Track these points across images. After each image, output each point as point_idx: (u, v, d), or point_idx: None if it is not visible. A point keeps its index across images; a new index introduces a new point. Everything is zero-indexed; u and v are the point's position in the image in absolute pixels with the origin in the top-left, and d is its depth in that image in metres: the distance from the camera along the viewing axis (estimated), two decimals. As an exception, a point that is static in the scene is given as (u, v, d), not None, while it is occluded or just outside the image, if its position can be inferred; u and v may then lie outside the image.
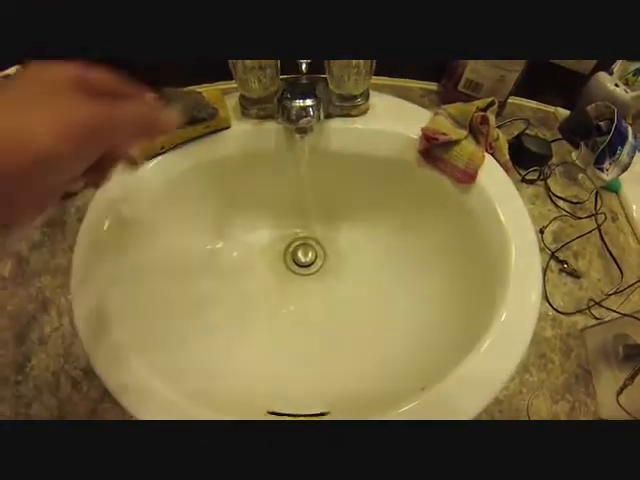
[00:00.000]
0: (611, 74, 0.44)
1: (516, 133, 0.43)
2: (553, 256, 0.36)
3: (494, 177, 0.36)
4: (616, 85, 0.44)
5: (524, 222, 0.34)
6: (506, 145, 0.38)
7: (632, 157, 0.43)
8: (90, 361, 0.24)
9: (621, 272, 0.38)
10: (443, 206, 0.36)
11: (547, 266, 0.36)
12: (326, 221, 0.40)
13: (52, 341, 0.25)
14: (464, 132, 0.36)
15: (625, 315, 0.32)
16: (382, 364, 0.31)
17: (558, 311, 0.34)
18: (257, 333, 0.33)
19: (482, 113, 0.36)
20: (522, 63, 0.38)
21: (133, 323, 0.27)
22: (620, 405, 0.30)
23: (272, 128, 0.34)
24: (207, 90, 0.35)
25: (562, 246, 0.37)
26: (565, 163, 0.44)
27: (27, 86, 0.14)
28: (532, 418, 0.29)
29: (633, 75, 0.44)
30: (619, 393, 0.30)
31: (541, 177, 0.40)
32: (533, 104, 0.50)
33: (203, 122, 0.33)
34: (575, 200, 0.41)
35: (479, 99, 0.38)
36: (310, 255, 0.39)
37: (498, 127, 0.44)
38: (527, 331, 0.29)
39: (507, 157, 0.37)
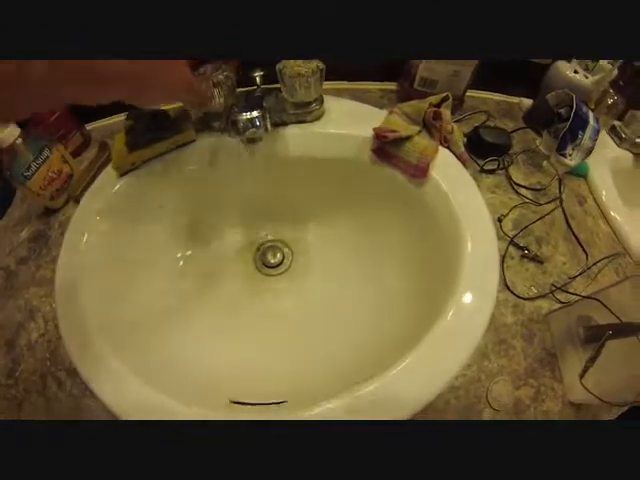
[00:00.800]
0: (570, 61, 0.44)
1: (477, 125, 0.44)
2: (513, 243, 0.37)
3: (449, 170, 0.37)
4: (575, 72, 0.44)
5: (480, 211, 0.35)
6: (461, 138, 0.39)
7: (595, 140, 0.43)
8: (72, 361, 0.27)
9: (586, 254, 0.39)
10: (402, 202, 0.38)
11: (506, 253, 0.36)
12: (292, 223, 0.42)
13: (39, 346, 0.28)
14: (417, 128, 0.38)
15: (585, 297, 0.32)
16: (343, 355, 0.32)
17: (519, 297, 0.34)
18: (226, 330, 0.35)
19: (434, 109, 0.38)
20: (474, 58, 0.40)
21: (110, 326, 0.29)
22: (584, 387, 0.30)
23: (234, 139, 0.37)
24: (172, 107, 0.38)
25: (520, 232, 0.38)
26: (529, 151, 0.45)
27: None
28: (492, 404, 0.30)
29: (592, 61, 0.44)
30: (582, 376, 0.31)
31: (501, 166, 0.41)
32: (498, 96, 0.51)
33: (169, 138, 0.35)
34: (539, 187, 0.42)
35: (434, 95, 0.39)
36: (278, 256, 0.41)
37: (458, 121, 0.45)
38: (480, 319, 0.30)
39: (462, 149, 0.38)
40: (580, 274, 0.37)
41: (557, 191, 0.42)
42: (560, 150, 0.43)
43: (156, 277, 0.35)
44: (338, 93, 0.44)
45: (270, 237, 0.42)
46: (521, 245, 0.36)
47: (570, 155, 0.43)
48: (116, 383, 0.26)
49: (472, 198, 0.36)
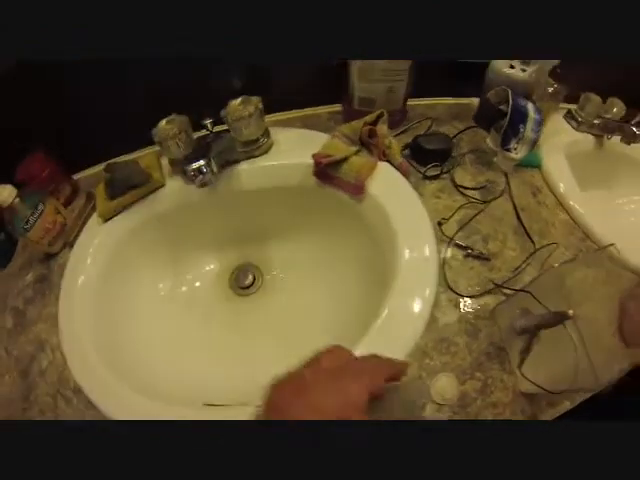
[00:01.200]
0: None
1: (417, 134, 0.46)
2: (454, 244, 0.39)
3: (389, 183, 0.40)
4: (511, 67, 0.45)
5: (418, 218, 0.38)
6: (399, 150, 0.42)
7: (538, 131, 0.44)
8: (76, 381, 0.33)
9: (534, 244, 0.40)
10: (348, 218, 0.41)
11: (447, 254, 0.38)
12: (259, 247, 0.47)
13: (49, 372, 0.35)
14: (354, 148, 0.41)
15: (517, 290, 0.34)
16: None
17: (462, 295, 0.36)
18: (202, 346, 0.41)
19: (369, 127, 0.41)
20: (405, 72, 0.42)
21: (105, 348, 0.35)
22: (524, 377, 0.32)
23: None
24: (144, 155, 0.44)
25: (458, 231, 0.39)
26: (477, 150, 0.47)
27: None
28: (434, 399, 0.32)
29: (528, 53, 0.45)
30: (519, 366, 0.32)
31: (445, 170, 0.43)
32: (449, 100, 0.53)
33: (142, 186, 0.41)
34: (484, 185, 0.43)
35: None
36: (250, 278, 0.46)
37: (404, 131, 0.48)
38: (414, 320, 0.33)
39: (400, 160, 0.41)
40: (519, 267, 0.38)
41: (506, 187, 0.44)
42: (504, 145, 0.44)
43: (142, 306, 0.41)
44: (290, 122, 0.48)
45: (241, 261, 0.47)
46: (463, 245, 0.38)
47: (515, 149, 0.44)
48: (111, 394, 0.32)
49: (410, 206, 0.39)
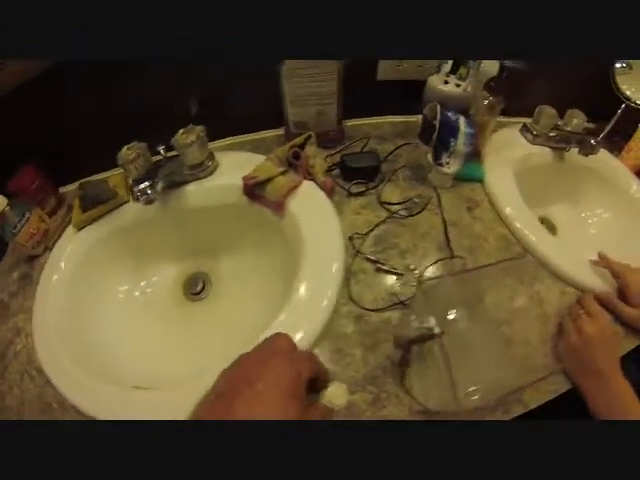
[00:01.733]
0: (438, 73, 0.46)
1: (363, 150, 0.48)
2: (365, 258, 0.39)
3: (308, 200, 0.43)
4: (446, 82, 0.45)
5: (330, 233, 0.40)
6: (322, 169, 0.45)
7: (471, 145, 0.43)
8: (41, 363, 0.40)
9: (452, 257, 0.39)
10: (274, 232, 0.44)
11: (355, 267, 0.39)
12: (210, 258, 0.52)
13: (21, 354, 0.42)
14: (281, 169, 0.44)
15: (394, 304, 0.34)
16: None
17: (365, 308, 0.36)
18: (155, 341, 0.46)
19: (296, 149, 0.45)
20: (333, 96, 0.45)
21: (68, 337, 0.42)
22: (407, 391, 0.31)
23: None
24: (115, 175, 0.52)
25: (373, 245, 0.40)
26: (414, 166, 0.47)
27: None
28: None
29: (464, 68, 0.45)
30: (400, 380, 0.32)
31: (371, 187, 0.44)
32: (396, 118, 0.54)
33: (109, 201, 0.49)
34: (415, 200, 0.43)
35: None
36: (200, 285, 0.51)
37: (340, 151, 0.50)
38: (310, 328, 0.35)
39: (323, 179, 0.44)
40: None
41: (434, 201, 0.43)
42: (437, 160, 0.44)
43: (105, 305, 0.48)
44: (241, 145, 0.53)
45: (194, 270, 0.53)
46: (373, 259, 0.39)
47: (447, 163, 0.44)
48: (66, 374, 0.38)
49: (325, 222, 0.41)
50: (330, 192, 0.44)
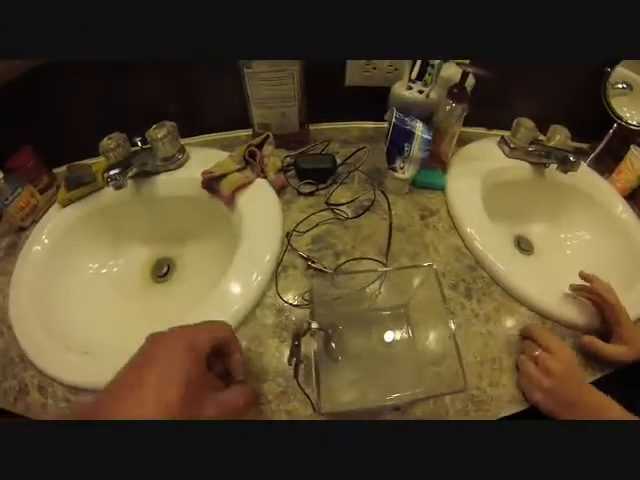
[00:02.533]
0: (402, 79, 0.45)
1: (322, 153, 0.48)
2: (298, 255, 0.39)
3: (257, 196, 0.44)
4: (410, 88, 0.44)
5: (270, 228, 0.41)
6: (274, 168, 0.46)
7: (427, 150, 0.42)
8: (11, 319, 0.45)
9: (384, 265, 0.37)
10: (228, 222, 0.46)
11: (286, 263, 0.39)
12: (178, 244, 0.55)
13: None
14: (238, 166, 0.46)
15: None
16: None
17: (288, 303, 0.36)
18: (120, 316, 0.49)
19: (252, 148, 0.46)
20: (294, 99, 0.46)
21: (38, 300, 0.46)
22: (300, 386, 0.30)
23: (129, 185, 0.53)
24: (100, 162, 0.57)
25: (309, 243, 0.40)
26: (373, 170, 0.46)
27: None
28: None
29: (429, 74, 0.44)
30: (294, 376, 0.31)
31: (321, 187, 0.44)
32: (365, 124, 0.54)
33: (89, 184, 0.54)
34: (361, 203, 0.43)
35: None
36: (165, 268, 0.54)
37: (302, 152, 0.50)
38: (231, 315, 0.35)
39: (274, 177, 0.45)
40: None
41: (386, 206, 0.42)
42: (390, 164, 0.43)
43: (77, 278, 0.52)
44: (215, 142, 0.56)
45: (163, 255, 0.56)
46: (305, 256, 0.39)
47: (402, 168, 0.43)
48: (30, 332, 0.42)
49: (268, 217, 0.42)
50: (279, 190, 0.45)
